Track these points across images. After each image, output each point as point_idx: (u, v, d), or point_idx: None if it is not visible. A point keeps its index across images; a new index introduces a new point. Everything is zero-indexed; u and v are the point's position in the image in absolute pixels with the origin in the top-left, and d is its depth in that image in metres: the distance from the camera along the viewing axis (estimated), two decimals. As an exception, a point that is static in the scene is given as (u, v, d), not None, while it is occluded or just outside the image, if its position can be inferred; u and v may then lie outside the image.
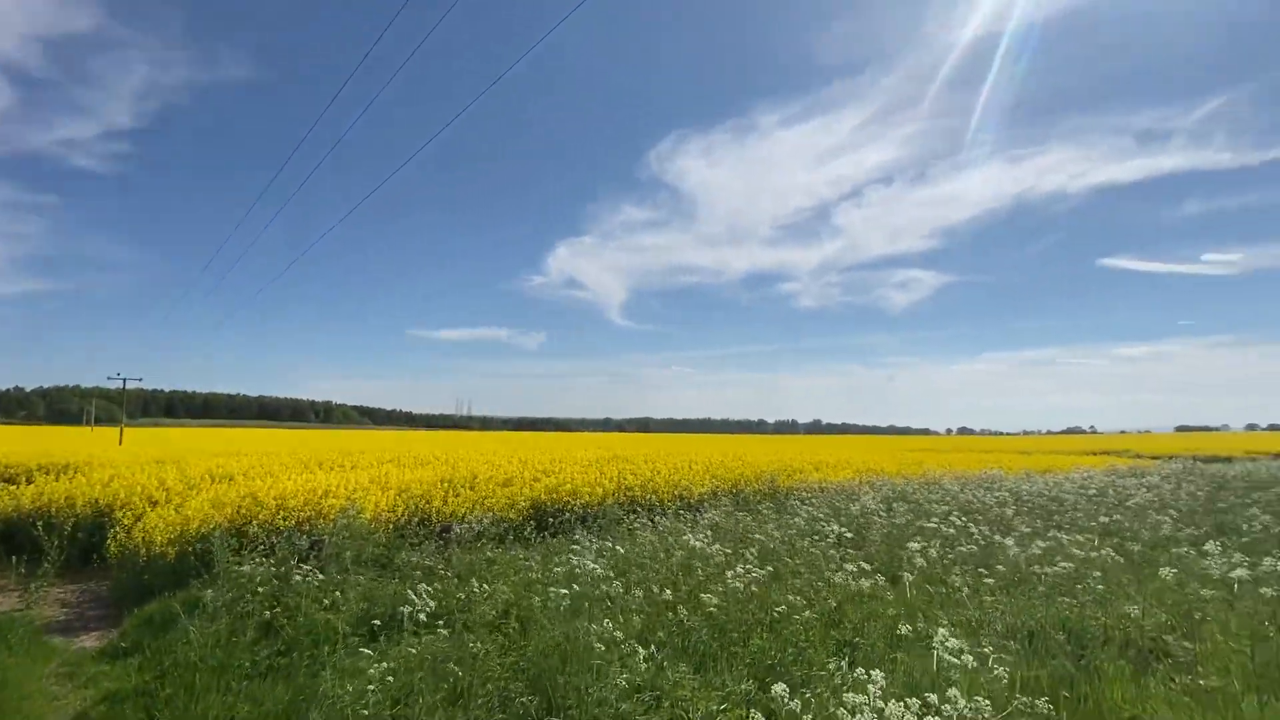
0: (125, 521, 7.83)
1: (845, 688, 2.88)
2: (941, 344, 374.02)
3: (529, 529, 8.10)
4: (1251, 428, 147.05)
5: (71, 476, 10.80)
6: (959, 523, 6.78)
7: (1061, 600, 4.67)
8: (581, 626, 4.02)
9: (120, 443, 28.29)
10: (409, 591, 4.68)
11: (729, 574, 4.94)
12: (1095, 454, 31.74)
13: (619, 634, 3.82)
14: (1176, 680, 3.46)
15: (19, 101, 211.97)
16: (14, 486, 10.36)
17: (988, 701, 2.62)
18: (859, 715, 2.47)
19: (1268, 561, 4.07)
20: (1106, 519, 7.83)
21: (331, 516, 7.45)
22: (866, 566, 5.23)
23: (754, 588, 4.84)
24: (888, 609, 4.80)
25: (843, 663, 3.65)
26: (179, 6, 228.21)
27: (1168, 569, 4.41)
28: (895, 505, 9.54)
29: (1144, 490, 10.85)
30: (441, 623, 4.51)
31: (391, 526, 7.99)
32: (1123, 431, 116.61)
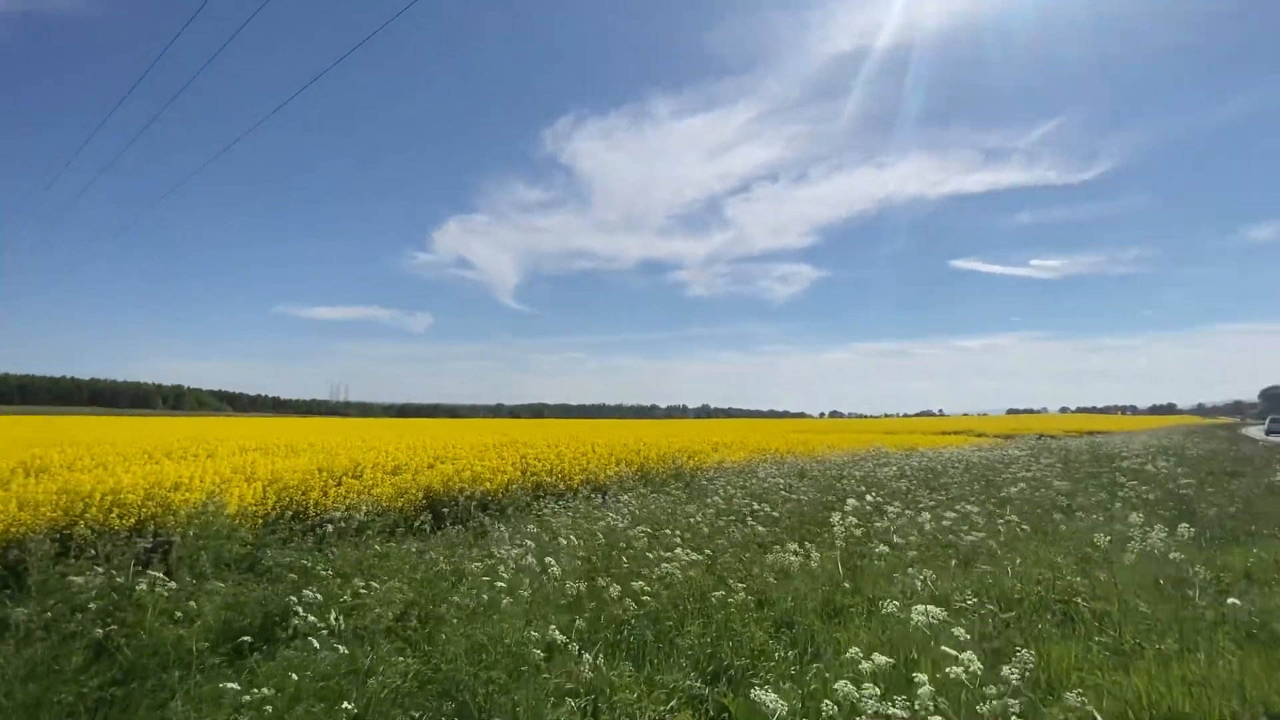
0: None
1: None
2: (814, 334, 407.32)
3: (423, 519, 7.49)
4: (1064, 410, 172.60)
5: None
6: (871, 498, 6.95)
7: (982, 568, 4.85)
8: (508, 625, 3.53)
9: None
10: (291, 598, 3.92)
11: (663, 561, 4.63)
12: (948, 433, 35.02)
13: (553, 630, 3.36)
14: (1096, 640, 3.59)
15: None
16: None
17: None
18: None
19: (1157, 526, 4.39)
20: (1004, 492, 8.43)
21: (184, 513, 6.30)
22: (793, 546, 5.13)
23: (691, 572, 4.57)
24: (819, 585, 4.73)
25: (789, 652, 3.45)
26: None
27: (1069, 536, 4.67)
28: (796, 482, 9.82)
29: (1016, 465, 11.94)
30: (326, 631, 3.83)
31: (261, 522, 6.93)
32: (965, 414, 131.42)
